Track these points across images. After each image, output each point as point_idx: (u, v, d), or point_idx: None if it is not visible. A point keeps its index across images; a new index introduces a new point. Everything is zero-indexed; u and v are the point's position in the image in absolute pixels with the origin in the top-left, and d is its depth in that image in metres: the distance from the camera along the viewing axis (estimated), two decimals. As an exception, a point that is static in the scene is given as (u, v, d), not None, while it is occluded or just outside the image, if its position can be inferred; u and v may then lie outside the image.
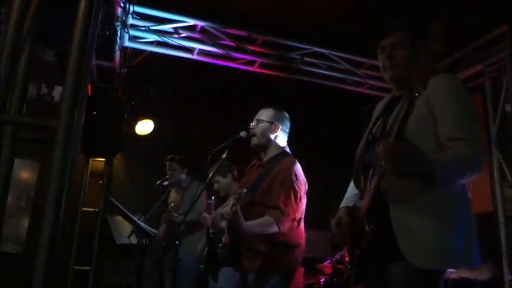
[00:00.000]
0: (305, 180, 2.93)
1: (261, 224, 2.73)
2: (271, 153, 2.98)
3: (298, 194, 2.82)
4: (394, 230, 1.73)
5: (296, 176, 2.85)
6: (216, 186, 4.13)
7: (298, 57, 5.64)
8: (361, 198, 2.03)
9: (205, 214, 3.24)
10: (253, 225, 2.72)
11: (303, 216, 2.91)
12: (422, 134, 1.80)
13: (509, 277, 4.46)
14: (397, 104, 1.96)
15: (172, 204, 4.62)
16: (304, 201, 2.88)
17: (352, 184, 2.20)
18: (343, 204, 2.17)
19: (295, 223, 2.84)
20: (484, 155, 4.54)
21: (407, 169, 1.69)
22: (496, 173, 4.90)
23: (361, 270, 1.90)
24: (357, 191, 2.13)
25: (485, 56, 5.11)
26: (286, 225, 2.74)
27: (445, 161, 1.71)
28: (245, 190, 2.73)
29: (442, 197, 1.74)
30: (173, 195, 4.95)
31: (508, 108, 4.97)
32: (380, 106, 2.23)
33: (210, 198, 3.48)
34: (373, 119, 2.15)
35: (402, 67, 2.00)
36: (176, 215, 4.55)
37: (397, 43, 2.02)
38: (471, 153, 1.74)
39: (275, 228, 2.71)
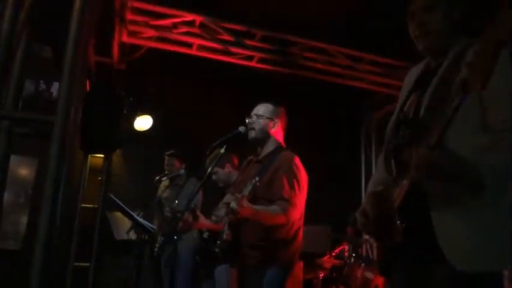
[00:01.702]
0: (305, 172, 2.92)
1: (269, 210, 2.71)
2: (269, 148, 2.98)
3: (301, 184, 2.82)
4: (436, 231, 1.53)
5: (297, 167, 2.85)
6: (214, 177, 4.11)
7: (298, 52, 5.62)
8: (394, 181, 1.75)
9: (187, 215, 3.21)
10: (262, 209, 2.70)
11: (304, 209, 2.91)
12: (466, 115, 1.51)
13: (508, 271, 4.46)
14: (433, 76, 1.68)
15: (176, 202, 4.60)
16: (305, 192, 2.88)
17: (380, 161, 1.92)
18: (371, 187, 1.92)
19: (298, 215, 2.83)
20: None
21: (444, 180, 1.51)
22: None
23: (387, 264, 1.76)
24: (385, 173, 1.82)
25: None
26: (293, 215, 2.74)
27: (496, 162, 1.47)
28: (257, 178, 2.70)
29: (495, 195, 1.50)
30: (168, 191, 4.93)
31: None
32: (412, 76, 1.89)
33: (206, 193, 3.44)
34: (405, 92, 1.86)
35: (437, 34, 1.71)
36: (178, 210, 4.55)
37: (429, 5, 1.72)
38: None
39: (282, 218, 2.69)
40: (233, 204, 2.54)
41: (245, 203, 2.55)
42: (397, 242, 1.59)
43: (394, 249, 1.67)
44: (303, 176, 2.88)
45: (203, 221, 3.12)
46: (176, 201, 4.18)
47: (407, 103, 1.79)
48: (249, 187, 2.64)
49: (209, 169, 3.06)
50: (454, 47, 1.68)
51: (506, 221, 1.49)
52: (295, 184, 2.78)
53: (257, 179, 2.69)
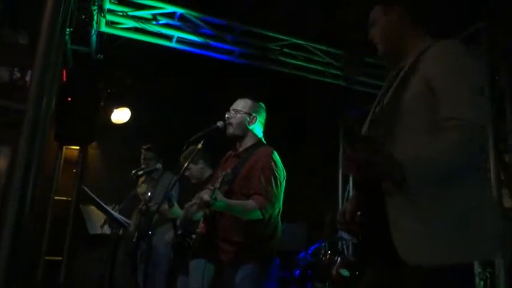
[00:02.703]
0: (283, 168, 2.90)
1: (244, 205, 2.68)
2: (247, 143, 2.95)
3: (278, 181, 2.79)
4: (390, 226, 1.57)
5: (275, 162, 2.83)
6: (187, 173, 4.07)
7: (277, 48, 5.62)
8: None
9: (165, 206, 3.19)
10: (236, 203, 2.67)
11: (281, 205, 2.89)
12: (416, 114, 1.61)
13: (479, 269, 4.54)
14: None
15: (149, 194, 4.55)
16: (283, 188, 2.86)
17: None
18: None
19: (276, 211, 2.81)
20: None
21: (374, 176, 1.56)
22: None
23: (361, 262, 1.83)
24: None
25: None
26: (269, 211, 2.71)
27: (421, 160, 1.51)
28: (229, 171, 2.68)
29: (447, 188, 1.54)
30: (144, 186, 4.87)
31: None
32: (386, 82, 1.99)
33: (183, 187, 3.40)
34: (379, 95, 1.96)
35: (384, 42, 1.86)
36: (153, 204, 4.49)
37: (372, 19, 1.90)
38: (463, 139, 1.51)
39: (257, 213, 2.66)
40: (205, 196, 2.50)
41: (219, 195, 2.52)
42: (360, 239, 1.68)
43: (364, 247, 1.73)
44: (281, 171, 2.86)
45: (177, 210, 3.11)
46: (149, 193, 4.13)
47: (377, 106, 1.85)
48: (220, 179, 2.62)
49: (185, 164, 3.02)
50: (415, 49, 1.77)
51: (451, 217, 1.54)
52: (273, 179, 2.75)
53: (229, 171, 2.67)
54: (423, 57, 1.68)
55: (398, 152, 1.57)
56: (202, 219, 2.87)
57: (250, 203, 2.68)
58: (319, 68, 5.92)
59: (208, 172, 4.10)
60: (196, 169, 4.11)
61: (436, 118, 1.57)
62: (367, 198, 1.68)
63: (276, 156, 2.88)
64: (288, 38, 5.55)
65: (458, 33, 5.04)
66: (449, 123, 1.53)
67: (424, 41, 1.77)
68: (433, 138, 1.57)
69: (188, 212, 2.79)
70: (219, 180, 2.62)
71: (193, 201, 2.72)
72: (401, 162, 1.48)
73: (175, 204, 3.18)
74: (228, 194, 2.69)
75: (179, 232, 2.92)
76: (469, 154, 1.55)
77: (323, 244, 5.39)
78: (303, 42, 5.62)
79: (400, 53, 1.82)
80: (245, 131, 2.96)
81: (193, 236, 2.75)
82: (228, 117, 2.95)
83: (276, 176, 2.78)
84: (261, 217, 2.68)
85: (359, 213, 1.67)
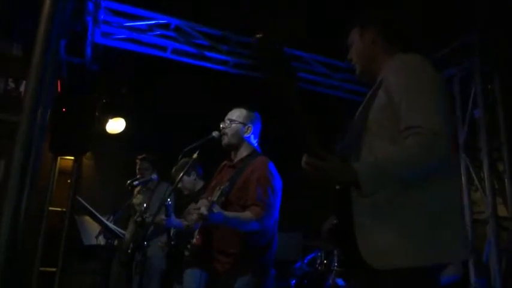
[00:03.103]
0: (280, 177, 2.88)
1: (241, 217, 2.65)
2: (243, 153, 2.94)
3: (275, 190, 2.78)
4: (355, 230, 1.62)
5: (271, 172, 2.81)
6: (179, 184, 4.07)
7: (273, 58, 5.63)
8: None
9: (160, 217, 3.17)
10: (233, 215, 2.64)
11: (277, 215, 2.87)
12: (381, 126, 1.68)
13: (474, 278, 4.55)
14: None
15: (145, 205, 4.53)
16: (280, 198, 2.85)
17: None
18: None
19: (272, 221, 2.79)
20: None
21: (331, 182, 1.64)
22: (463, 178, 4.98)
23: (344, 269, 1.87)
24: None
25: (456, 62, 5.20)
26: (267, 222, 2.68)
27: (378, 167, 1.54)
28: (227, 184, 2.67)
29: (409, 191, 1.58)
30: (139, 196, 4.84)
31: (476, 114, 5.07)
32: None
33: (178, 197, 3.40)
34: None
35: (360, 62, 1.96)
36: (148, 215, 4.48)
37: (349, 41, 2.00)
38: (421, 146, 1.54)
39: (255, 225, 2.64)
40: (203, 210, 2.48)
41: (216, 208, 2.51)
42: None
43: (341, 253, 1.75)
44: (277, 181, 2.84)
45: (174, 220, 3.10)
46: (145, 205, 4.13)
47: None
48: (218, 192, 2.62)
49: (180, 175, 3.02)
50: (387, 65, 1.84)
51: (412, 220, 1.58)
52: (269, 190, 2.73)
53: (227, 184, 2.67)
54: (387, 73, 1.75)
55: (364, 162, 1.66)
56: (197, 230, 2.85)
57: (247, 214, 2.66)
58: (317, 78, 5.93)
59: (200, 184, 4.10)
60: (188, 180, 4.12)
61: (398, 129, 1.62)
62: (336, 203, 1.74)
63: (272, 165, 2.87)
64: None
65: (449, 44, 5.11)
66: (409, 132, 1.57)
67: (394, 58, 1.84)
68: (395, 147, 1.63)
69: (188, 226, 2.77)
70: (217, 194, 2.61)
71: (192, 214, 2.70)
72: (355, 169, 1.53)
73: (172, 215, 3.17)
74: (225, 205, 2.67)
75: (173, 242, 2.91)
76: (428, 159, 1.55)
77: (319, 254, 5.37)
78: (299, 53, 5.64)
79: (375, 72, 1.90)
80: (240, 141, 2.95)
81: (188, 246, 2.73)
82: (223, 127, 2.94)
83: (272, 186, 2.76)
84: (259, 228, 2.65)
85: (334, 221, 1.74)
